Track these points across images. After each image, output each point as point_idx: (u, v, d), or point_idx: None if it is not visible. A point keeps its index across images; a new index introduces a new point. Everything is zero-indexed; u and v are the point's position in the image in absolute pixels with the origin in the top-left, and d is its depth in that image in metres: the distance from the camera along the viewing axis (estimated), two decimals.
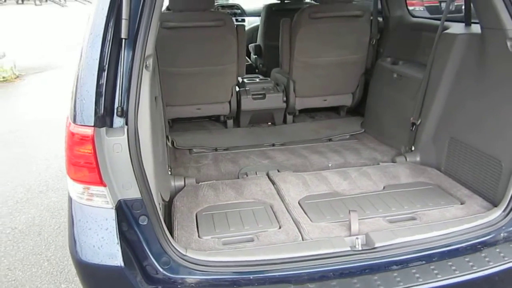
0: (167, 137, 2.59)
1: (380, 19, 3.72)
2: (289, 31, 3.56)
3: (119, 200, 1.69)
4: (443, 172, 2.68)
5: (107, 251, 1.62)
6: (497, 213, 2.07)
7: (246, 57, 5.50)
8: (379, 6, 3.67)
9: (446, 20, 2.89)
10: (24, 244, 3.37)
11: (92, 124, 1.57)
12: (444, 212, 2.19)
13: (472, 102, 2.45)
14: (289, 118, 3.99)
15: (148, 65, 1.70)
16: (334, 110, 4.19)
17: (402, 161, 2.91)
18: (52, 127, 5.66)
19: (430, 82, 2.74)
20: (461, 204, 2.29)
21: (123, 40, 1.61)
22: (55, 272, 3.03)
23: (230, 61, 3.47)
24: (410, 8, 5.12)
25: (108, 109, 1.63)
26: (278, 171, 2.81)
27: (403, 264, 1.86)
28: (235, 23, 3.59)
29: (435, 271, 1.80)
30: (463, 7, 2.75)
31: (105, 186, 1.64)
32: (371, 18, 3.65)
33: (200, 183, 2.65)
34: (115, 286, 1.65)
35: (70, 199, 1.73)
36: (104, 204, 1.66)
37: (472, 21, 2.56)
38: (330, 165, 2.98)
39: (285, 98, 3.79)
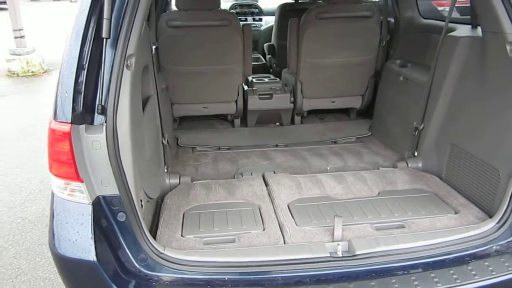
0: (163, 135, 2.62)
1: (392, 20, 3.63)
2: (296, 31, 3.52)
3: (98, 196, 1.72)
4: (444, 179, 2.59)
5: (81, 245, 1.65)
6: (490, 225, 1.99)
7: (261, 57, 5.51)
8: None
9: (457, 22, 2.79)
10: (32, 234, 3.49)
11: (70, 121, 1.61)
12: (435, 222, 2.12)
13: (473, 108, 2.35)
14: (297, 119, 3.96)
15: (129, 64, 1.72)
16: (344, 112, 4.13)
17: (403, 166, 2.83)
18: None
19: (433, 86, 2.65)
20: (456, 213, 2.21)
21: (105, 39, 1.64)
22: None
23: (236, 61, 3.47)
24: (440, 8, 4.95)
25: (88, 106, 1.66)
26: (274, 172, 2.79)
27: (383, 273, 1.81)
28: (245, 22, 3.60)
29: (416, 282, 1.75)
30: None
31: (82, 182, 1.67)
32: (382, 18, 3.57)
33: (194, 182, 2.66)
34: (88, 280, 1.68)
35: (52, 194, 1.78)
36: (82, 200, 1.70)
37: None
38: (328, 168, 2.93)
39: (292, 99, 3.76)
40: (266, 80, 4.03)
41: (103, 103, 1.67)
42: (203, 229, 2.12)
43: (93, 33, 1.64)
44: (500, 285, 1.80)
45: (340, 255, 1.86)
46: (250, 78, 4.08)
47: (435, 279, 1.77)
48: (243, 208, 2.31)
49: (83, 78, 1.62)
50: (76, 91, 1.61)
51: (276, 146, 3.41)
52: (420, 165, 2.81)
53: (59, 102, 1.63)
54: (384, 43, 3.58)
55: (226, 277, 1.78)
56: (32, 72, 8.80)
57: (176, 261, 1.80)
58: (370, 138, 3.52)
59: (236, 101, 3.69)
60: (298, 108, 3.80)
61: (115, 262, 1.73)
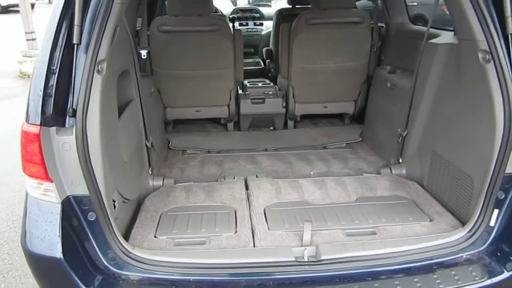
0: (147, 138, 2.67)
1: (383, 25, 3.63)
2: (288, 37, 3.55)
3: (68, 196, 1.78)
4: (425, 186, 2.59)
5: (48, 242, 1.70)
6: (460, 234, 1.98)
7: (261, 61, 5.55)
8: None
9: (447, 30, 2.78)
10: None
11: (39, 123, 1.67)
12: (407, 229, 2.12)
13: (450, 115, 2.35)
14: (290, 123, 3.98)
15: (100, 69, 1.77)
16: (338, 117, 4.13)
17: (387, 173, 2.83)
18: None
19: (415, 93, 2.65)
20: (430, 221, 2.21)
21: (75, 45, 1.70)
22: None
23: (227, 66, 3.51)
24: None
25: (59, 109, 1.72)
26: (257, 176, 2.82)
27: (347, 279, 1.82)
28: (235, 28, 3.63)
29: None
30: None
31: (51, 181, 1.73)
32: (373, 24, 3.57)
33: (177, 184, 2.71)
34: (56, 276, 1.74)
35: (26, 193, 1.84)
36: (52, 199, 1.76)
37: None
38: (312, 173, 2.95)
39: (284, 104, 3.78)
40: (260, 84, 4.06)
41: (74, 107, 1.72)
42: (176, 231, 2.16)
43: (65, 38, 1.70)
44: None
45: (306, 259, 1.87)
46: (245, 82, 4.12)
47: (398, 287, 1.77)
48: (219, 211, 2.35)
49: (53, 82, 1.68)
50: (46, 94, 1.67)
51: (266, 150, 3.44)
52: (404, 172, 2.81)
53: (30, 105, 1.69)
54: (375, 49, 3.58)
55: (191, 278, 1.81)
56: None
57: (144, 261, 1.85)
58: (360, 144, 3.52)
59: (229, 105, 3.73)
60: (290, 112, 3.82)
61: (83, 259, 1.78)
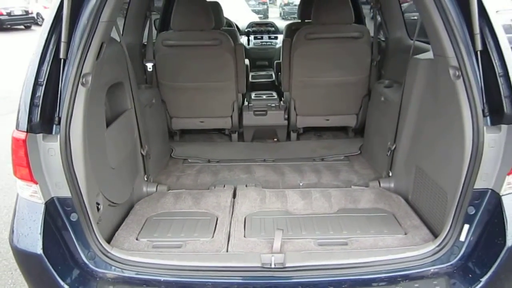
0: (142, 146, 2.82)
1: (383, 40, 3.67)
2: (289, 50, 3.65)
3: (52, 197, 1.94)
4: (410, 200, 2.60)
5: (30, 239, 1.86)
6: (429, 247, 1.99)
7: (274, 74, 5.66)
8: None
9: None
10: None
11: (25, 130, 1.84)
12: (378, 241, 2.15)
13: (430, 130, 2.37)
14: (293, 135, 4.05)
15: (85, 82, 1.93)
16: (343, 130, 4.17)
17: (375, 186, 2.86)
18: None
19: (402, 107, 2.68)
20: (404, 234, 2.22)
21: (62, 59, 1.87)
22: None
23: (229, 78, 3.64)
24: None
25: (46, 118, 1.89)
26: (246, 186, 2.90)
27: (310, 287, 1.87)
28: (237, 42, 3.76)
29: None
30: None
31: (36, 183, 1.89)
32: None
33: (169, 191, 2.84)
34: (36, 270, 1.89)
35: (17, 194, 2.02)
36: (37, 199, 1.92)
37: None
38: (301, 184, 3.00)
39: (286, 116, 3.87)
40: (264, 97, 4.17)
41: (61, 115, 1.89)
42: (157, 234, 2.28)
43: (52, 53, 1.88)
44: None
45: (273, 266, 1.94)
46: (252, 95, 4.24)
47: None
48: (202, 217, 2.45)
49: (40, 93, 1.85)
50: (33, 104, 1.84)
51: (264, 161, 3.52)
52: (392, 185, 2.82)
53: (20, 114, 1.87)
54: (375, 63, 3.62)
55: (162, 278, 1.92)
56: None
57: (120, 260, 1.98)
58: (358, 157, 3.54)
59: (231, 117, 3.85)
60: (292, 125, 3.90)
61: (63, 256, 1.92)
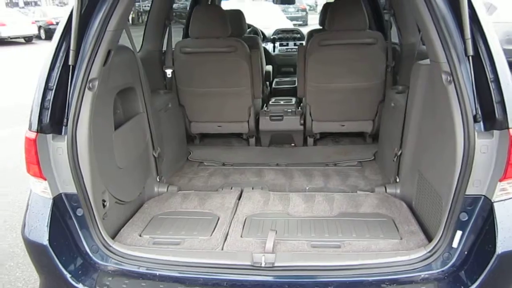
0: (154, 148, 2.95)
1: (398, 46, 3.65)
2: (303, 57, 3.70)
3: (60, 193, 2.10)
4: (414, 206, 2.57)
5: (38, 231, 2.03)
6: (420, 253, 1.98)
7: (296, 80, 5.71)
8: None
9: None
10: None
11: (36, 130, 2.01)
12: (372, 245, 2.15)
13: (428, 135, 2.35)
14: (310, 140, 4.08)
15: (91, 86, 2.08)
16: (361, 136, 4.15)
17: (381, 191, 2.84)
18: None
19: (407, 112, 2.67)
20: (400, 239, 2.21)
21: (71, 66, 2.04)
22: None
23: (244, 84, 3.74)
24: None
25: (57, 119, 2.06)
26: (253, 188, 2.97)
27: (297, 287, 1.91)
28: (254, 49, 3.84)
29: None
30: None
31: (45, 179, 2.06)
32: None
33: (178, 192, 2.96)
34: (43, 260, 2.05)
35: (30, 190, 2.20)
36: (46, 195, 2.09)
37: None
38: (307, 188, 3.04)
39: (302, 121, 3.91)
40: (282, 102, 4.22)
41: (68, 117, 2.05)
42: (159, 232, 2.40)
43: (62, 60, 2.05)
44: None
45: (263, 265, 2.00)
46: (272, 100, 4.32)
47: None
48: (204, 217, 2.54)
49: (50, 97, 2.02)
50: (43, 107, 2.02)
51: (277, 165, 3.58)
52: (398, 191, 2.80)
53: (32, 116, 2.05)
54: (390, 69, 3.59)
55: (157, 272, 2.03)
56: None
57: (120, 254, 2.11)
58: (372, 163, 3.53)
59: (248, 121, 3.94)
60: (308, 130, 3.93)
61: (68, 248, 2.08)
